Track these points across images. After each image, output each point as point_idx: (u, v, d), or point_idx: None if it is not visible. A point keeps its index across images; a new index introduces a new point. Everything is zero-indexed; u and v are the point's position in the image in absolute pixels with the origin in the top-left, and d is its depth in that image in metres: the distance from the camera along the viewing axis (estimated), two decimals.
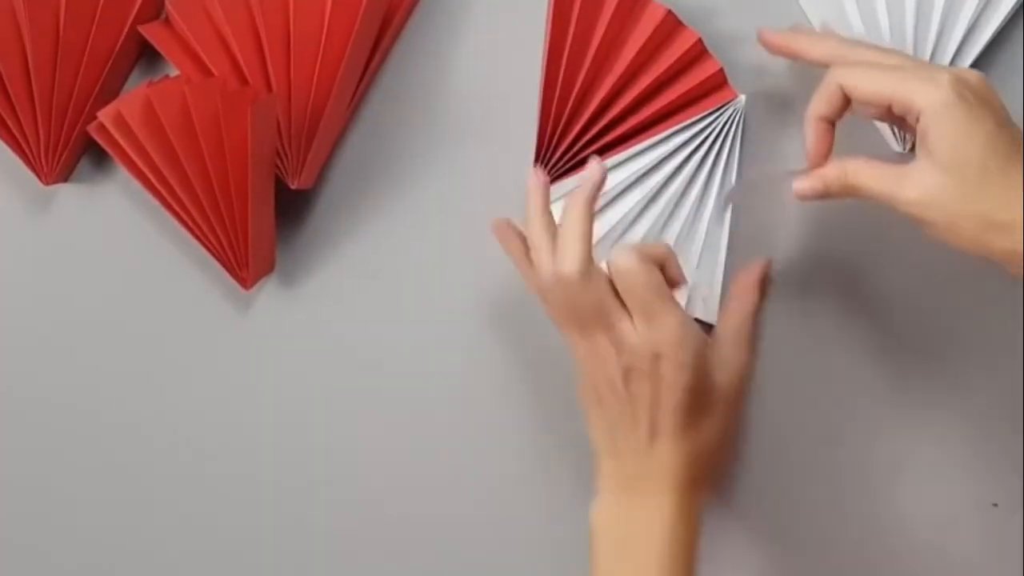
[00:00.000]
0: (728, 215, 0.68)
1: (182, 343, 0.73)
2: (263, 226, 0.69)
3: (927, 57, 0.66)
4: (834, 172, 0.60)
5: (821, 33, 0.67)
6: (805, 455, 0.69)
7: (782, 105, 0.69)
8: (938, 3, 0.66)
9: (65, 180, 0.73)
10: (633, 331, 0.61)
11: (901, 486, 0.69)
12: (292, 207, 0.71)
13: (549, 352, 0.69)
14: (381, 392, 0.72)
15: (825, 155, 0.61)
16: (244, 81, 0.68)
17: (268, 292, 0.72)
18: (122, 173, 0.70)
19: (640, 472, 0.63)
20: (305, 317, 0.72)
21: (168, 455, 0.73)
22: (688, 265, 0.67)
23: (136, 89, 0.68)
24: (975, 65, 0.67)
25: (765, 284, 0.68)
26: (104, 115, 0.67)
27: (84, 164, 0.73)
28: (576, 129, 0.68)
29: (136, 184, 0.68)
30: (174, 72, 0.71)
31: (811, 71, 0.64)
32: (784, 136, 0.69)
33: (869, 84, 0.59)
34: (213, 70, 0.69)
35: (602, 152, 0.68)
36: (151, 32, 0.70)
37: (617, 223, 0.68)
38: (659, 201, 0.68)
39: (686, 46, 0.67)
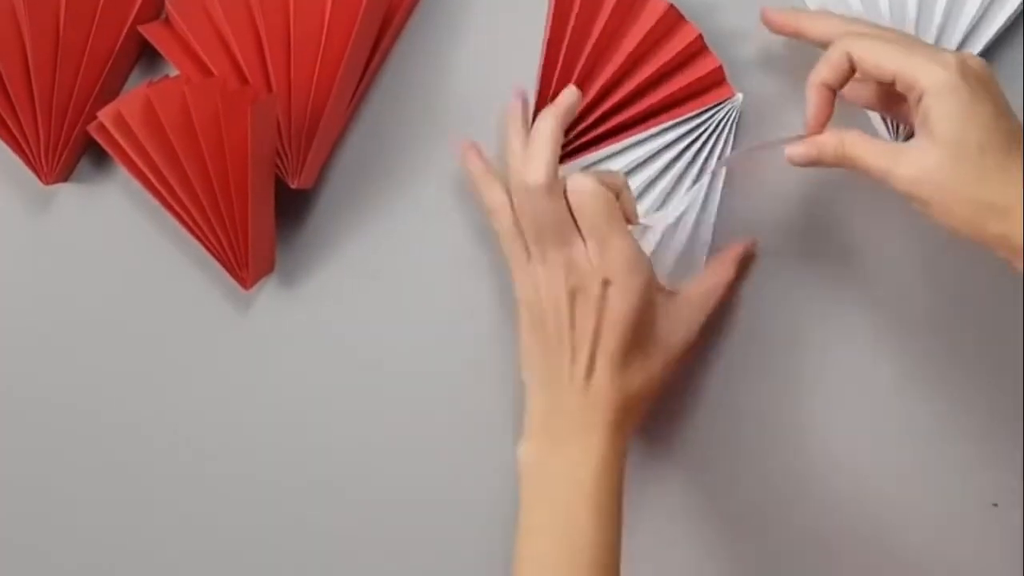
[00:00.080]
0: (716, 199, 0.68)
1: (182, 343, 0.73)
2: (263, 226, 0.69)
3: None
4: (832, 141, 0.61)
5: (824, 13, 0.67)
6: (796, 452, 0.70)
7: (780, 104, 0.69)
8: (939, 3, 0.66)
9: (65, 180, 0.73)
10: (585, 253, 0.62)
11: (901, 486, 0.69)
12: (292, 207, 0.71)
13: None
14: (381, 392, 0.72)
15: (824, 122, 0.62)
16: (244, 81, 0.68)
17: (268, 292, 0.72)
18: (122, 173, 0.70)
19: (572, 408, 0.63)
20: (305, 317, 0.72)
21: (168, 455, 0.73)
22: (673, 254, 0.68)
23: (136, 89, 0.68)
24: None
25: (746, 261, 0.69)
26: (104, 115, 0.67)
27: (84, 164, 0.73)
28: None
29: (136, 184, 0.68)
30: (174, 72, 0.71)
31: (810, 71, 0.64)
32: (781, 134, 0.69)
33: (877, 56, 0.59)
34: (213, 70, 0.69)
35: (597, 142, 0.69)
36: (151, 32, 0.70)
37: None
38: (651, 193, 0.69)
39: (686, 41, 0.67)
